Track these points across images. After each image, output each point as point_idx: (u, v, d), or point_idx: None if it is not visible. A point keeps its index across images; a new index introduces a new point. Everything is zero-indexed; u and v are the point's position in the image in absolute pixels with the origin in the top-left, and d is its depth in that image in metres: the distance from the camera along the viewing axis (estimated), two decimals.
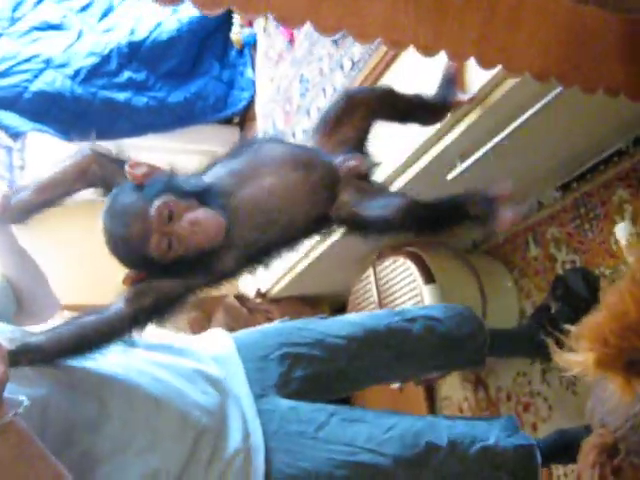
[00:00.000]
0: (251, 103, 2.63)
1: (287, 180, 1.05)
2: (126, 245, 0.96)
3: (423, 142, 1.43)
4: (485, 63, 0.85)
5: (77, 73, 2.34)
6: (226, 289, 1.17)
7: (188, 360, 1.14)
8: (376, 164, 1.19)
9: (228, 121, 2.73)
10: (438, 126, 1.38)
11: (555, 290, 1.69)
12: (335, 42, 1.79)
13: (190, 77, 2.55)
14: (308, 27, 0.75)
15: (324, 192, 1.08)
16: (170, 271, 0.98)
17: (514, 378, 1.91)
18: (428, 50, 0.81)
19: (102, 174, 1.04)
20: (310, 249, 1.95)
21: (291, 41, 2.11)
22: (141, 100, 2.44)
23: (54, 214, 1.07)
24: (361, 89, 1.41)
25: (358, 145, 1.19)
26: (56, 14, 2.44)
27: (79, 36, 2.44)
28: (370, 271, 1.99)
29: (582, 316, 1.64)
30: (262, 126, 2.45)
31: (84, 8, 2.49)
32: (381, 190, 1.18)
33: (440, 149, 1.43)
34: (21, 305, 1.13)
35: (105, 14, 2.48)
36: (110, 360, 1.02)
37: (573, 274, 1.66)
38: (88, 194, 1.08)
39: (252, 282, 2.37)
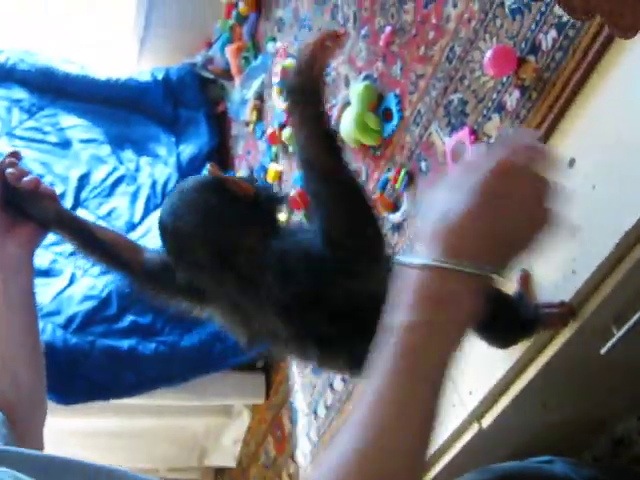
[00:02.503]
0: None
1: None
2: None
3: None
4: None
5: (70, 321, 2.09)
6: None
7: None
8: None
9: (250, 366, 2.44)
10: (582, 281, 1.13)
11: None
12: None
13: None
14: None
15: None
16: None
17: None
18: None
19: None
20: None
21: None
22: (149, 347, 2.16)
23: None
24: None
25: None
26: (44, 259, 2.27)
27: (71, 281, 2.24)
28: None
29: None
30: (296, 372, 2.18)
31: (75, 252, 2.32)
32: None
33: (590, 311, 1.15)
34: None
35: None
36: None
37: None
38: None
39: None
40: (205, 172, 1.00)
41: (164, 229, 0.96)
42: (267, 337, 1.03)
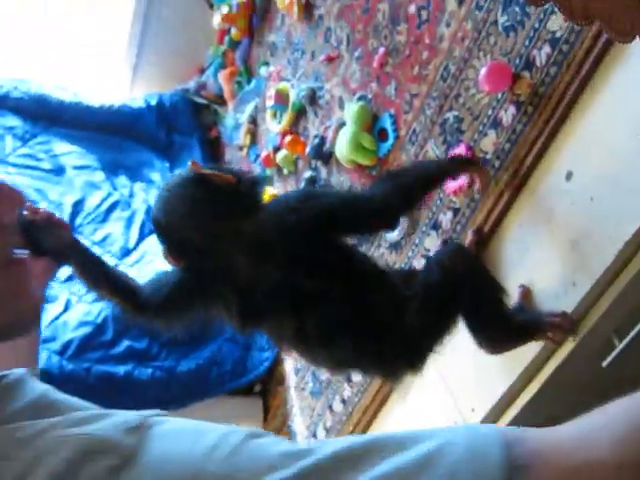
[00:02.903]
0: (275, 364, 2.37)
1: None
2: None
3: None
4: None
5: (66, 347, 2.08)
6: None
7: None
8: None
9: (248, 391, 2.43)
10: (583, 293, 1.13)
11: None
12: None
13: (200, 341, 2.31)
14: None
15: None
16: None
17: None
18: None
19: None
20: None
21: None
22: (145, 372, 2.15)
23: None
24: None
25: None
26: None
27: (67, 307, 2.23)
28: None
29: None
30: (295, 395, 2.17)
31: (70, 278, 2.31)
32: None
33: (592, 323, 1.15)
34: None
35: None
36: None
37: None
38: None
39: None
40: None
41: (158, 225, 1.06)
42: (266, 320, 1.10)
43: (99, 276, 1.07)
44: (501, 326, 1.17)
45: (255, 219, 1.05)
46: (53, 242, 0.99)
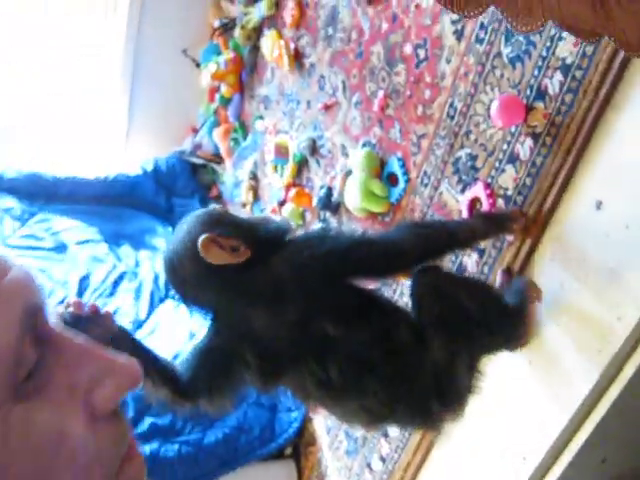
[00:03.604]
0: (304, 424, 2.29)
1: None
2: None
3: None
4: None
5: None
6: None
7: None
8: None
9: (279, 455, 2.34)
10: (632, 326, 1.08)
11: None
12: None
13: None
14: None
15: None
16: None
17: None
18: None
19: None
20: None
21: None
22: (171, 449, 2.07)
23: None
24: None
25: None
26: None
27: None
28: None
29: None
30: (329, 455, 2.10)
31: None
32: None
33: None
34: None
35: None
36: None
37: None
38: None
39: None
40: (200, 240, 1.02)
41: (171, 284, 1.07)
42: (287, 371, 1.06)
43: (148, 365, 1.05)
44: (505, 316, 1.17)
45: (269, 265, 1.03)
46: (100, 333, 0.98)
